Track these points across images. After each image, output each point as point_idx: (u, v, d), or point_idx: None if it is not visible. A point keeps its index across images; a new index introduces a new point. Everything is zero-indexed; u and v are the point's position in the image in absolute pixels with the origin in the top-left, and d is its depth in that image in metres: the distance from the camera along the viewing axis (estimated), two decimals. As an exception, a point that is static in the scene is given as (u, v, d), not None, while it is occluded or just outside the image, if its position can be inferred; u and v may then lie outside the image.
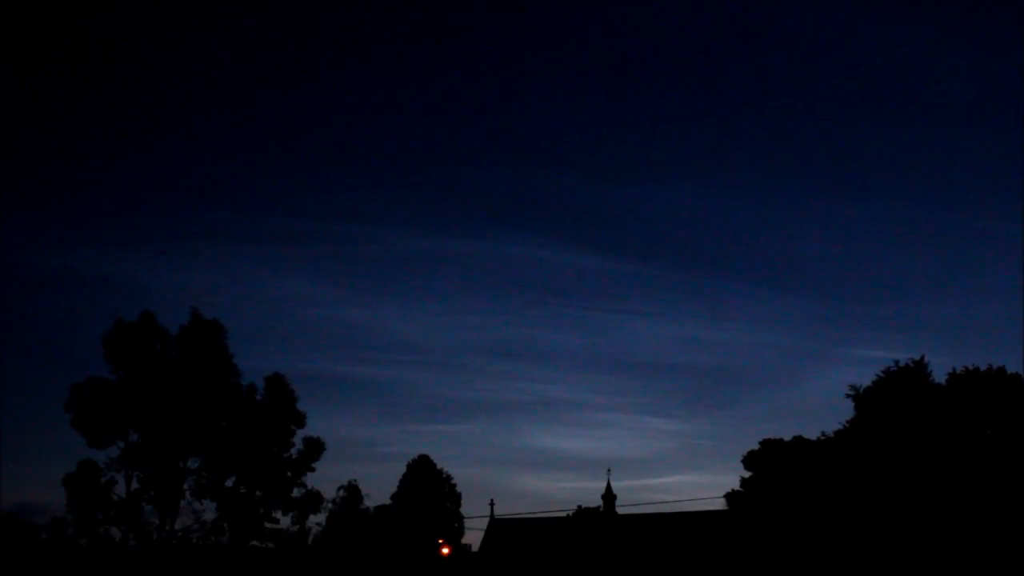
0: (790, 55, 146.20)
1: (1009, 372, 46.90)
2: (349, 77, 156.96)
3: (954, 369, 48.12)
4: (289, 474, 62.14)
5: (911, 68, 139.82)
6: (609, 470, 69.71)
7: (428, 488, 74.62)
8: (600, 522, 67.30)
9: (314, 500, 62.89)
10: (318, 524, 64.72)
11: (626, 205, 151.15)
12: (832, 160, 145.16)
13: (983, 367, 47.38)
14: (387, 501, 73.69)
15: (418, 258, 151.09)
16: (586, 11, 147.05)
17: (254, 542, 62.19)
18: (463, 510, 76.10)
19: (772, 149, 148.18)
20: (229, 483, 61.13)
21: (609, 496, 68.64)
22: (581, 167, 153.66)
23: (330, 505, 65.28)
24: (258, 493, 61.53)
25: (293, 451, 62.73)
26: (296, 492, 62.30)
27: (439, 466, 76.62)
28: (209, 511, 60.67)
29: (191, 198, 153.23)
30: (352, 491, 67.80)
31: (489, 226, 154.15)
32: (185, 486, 60.17)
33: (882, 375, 49.30)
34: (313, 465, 62.67)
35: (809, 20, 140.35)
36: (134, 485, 59.55)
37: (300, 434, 62.65)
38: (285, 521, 62.51)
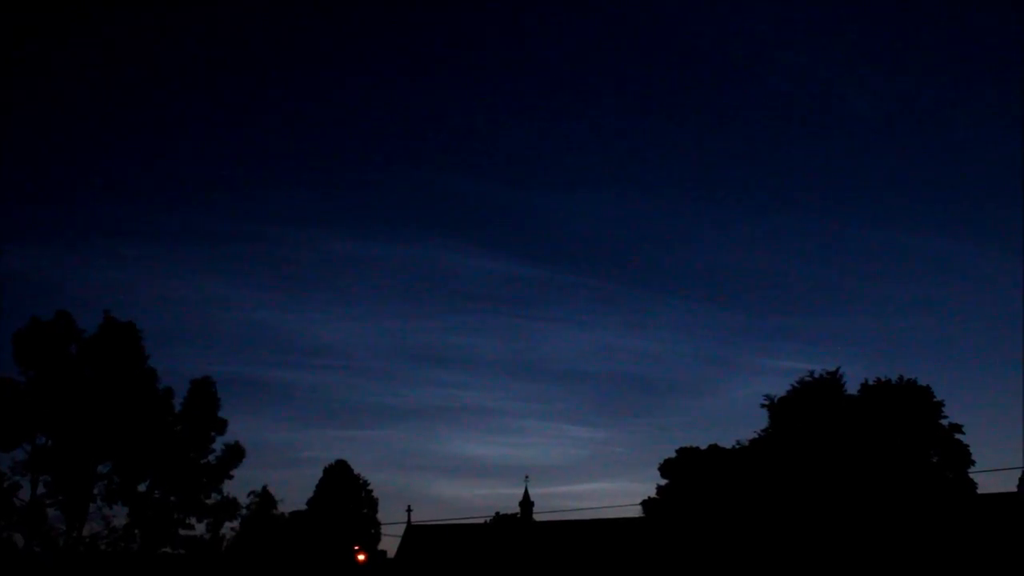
0: (712, 66, 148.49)
1: (919, 384, 48.26)
2: (270, 77, 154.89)
3: (866, 381, 49.16)
4: (205, 480, 61.19)
5: (825, 84, 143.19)
6: (527, 477, 69.71)
7: (345, 494, 74.08)
8: (518, 529, 67.42)
9: (230, 507, 62.02)
10: (233, 530, 63.84)
11: (547, 212, 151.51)
12: (751, 172, 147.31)
13: (895, 379, 48.68)
14: (303, 507, 73.02)
15: (338, 261, 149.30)
16: (506, 18, 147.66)
17: (166, 549, 61.07)
18: (380, 516, 75.93)
19: (692, 160, 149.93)
20: (143, 488, 59.96)
21: (527, 503, 68.77)
22: (503, 173, 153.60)
23: (244, 511, 64.41)
24: (172, 499, 60.47)
25: (212, 457, 61.81)
26: (213, 498, 61.43)
27: (356, 472, 76.30)
28: (120, 517, 59.57)
29: (106, 194, 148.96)
30: (265, 497, 66.96)
31: (410, 231, 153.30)
32: (95, 491, 58.89)
33: (797, 385, 50.27)
34: (231, 472, 61.98)
35: (731, 32, 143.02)
36: (40, 490, 58.07)
37: (220, 440, 61.99)
38: (200, 528, 61.70)
